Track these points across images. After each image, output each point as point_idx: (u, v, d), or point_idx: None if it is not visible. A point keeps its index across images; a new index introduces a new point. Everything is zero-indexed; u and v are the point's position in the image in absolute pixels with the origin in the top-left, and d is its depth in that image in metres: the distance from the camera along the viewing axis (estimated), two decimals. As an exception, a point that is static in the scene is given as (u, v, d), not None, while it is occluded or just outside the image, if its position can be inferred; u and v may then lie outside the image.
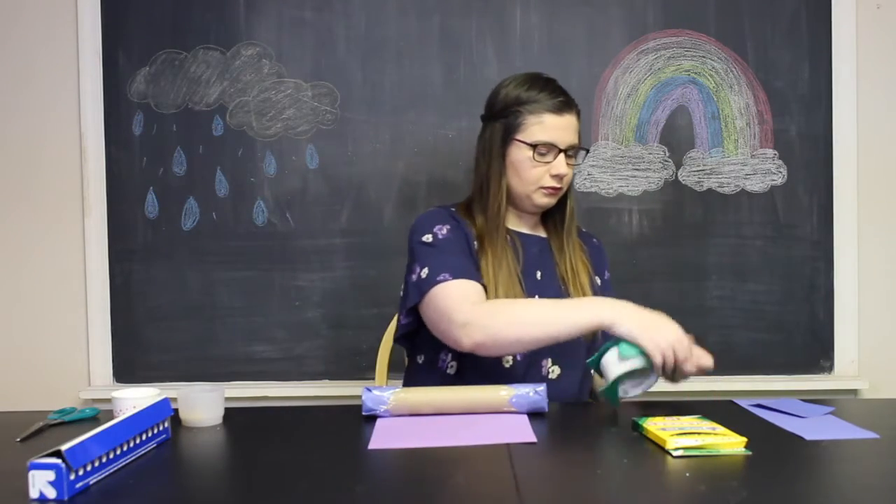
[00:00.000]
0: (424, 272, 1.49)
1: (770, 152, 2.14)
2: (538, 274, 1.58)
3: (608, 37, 2.13)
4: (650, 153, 2.14)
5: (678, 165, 2.14)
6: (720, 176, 2.14)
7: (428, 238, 1.54)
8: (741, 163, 2.14)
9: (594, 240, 1.73)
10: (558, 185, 1.54)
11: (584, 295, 1.57)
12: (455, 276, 1.45)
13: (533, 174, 1.54)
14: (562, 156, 1.52)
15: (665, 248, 2.14)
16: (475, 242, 1.55)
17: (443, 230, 1.55)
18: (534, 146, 1.52)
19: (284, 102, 2.13)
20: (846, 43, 2.13)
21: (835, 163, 2.14)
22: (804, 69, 2.14)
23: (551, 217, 1.64)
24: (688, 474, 1.03)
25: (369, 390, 1.38)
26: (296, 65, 2.12)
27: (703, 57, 2.13)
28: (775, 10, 2.13)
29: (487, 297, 1.48)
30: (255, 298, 2.13)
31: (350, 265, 2.13)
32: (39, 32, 2.14)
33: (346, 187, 2.13)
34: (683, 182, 2.14)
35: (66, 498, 0.95)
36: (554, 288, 1.57)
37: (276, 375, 2.14)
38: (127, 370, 2.15)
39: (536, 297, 1.55)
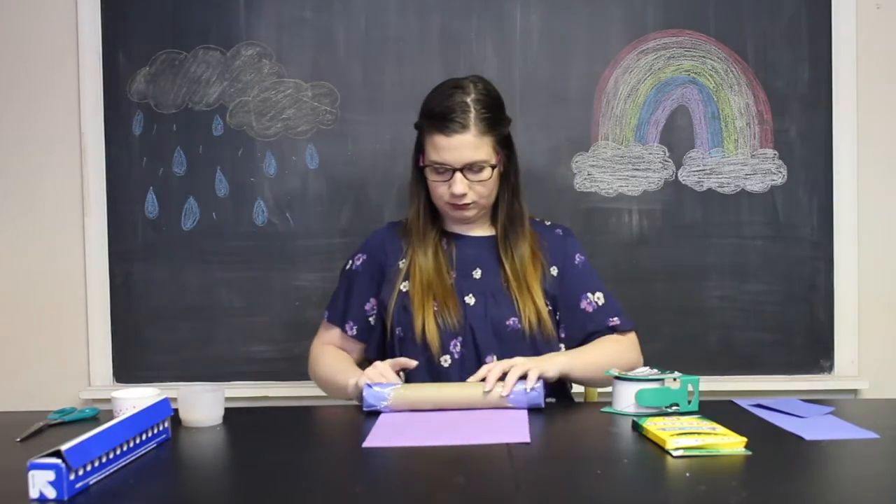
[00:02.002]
0: (333, 294, 1.72)
1: (770, 152, 2.14)
2: (477, 272, 1.61)
3: (608, 37, 2.13)
4: (650, 153, 2.14)
5: (678, 165, 2.14)
6: (720, 176, 2.14)
7: (348, 265, 1.70)
8: (741, 163, 2.14)
9: (558, 230, 1.71)
10: (459, 203, 1.57)
11: (529, 291, 1.58)
12: (329, 319, 1.69)
13: (437, 191, 1.59)
14: (458, 175, 1.54)
15: (665, 248, 2.14)
16: (402, 261, 1.63)
17: (359, 260, 1.69)
18: (426, 166, 1.57)
19: (284, 102, 2.13)
20: (846, 43, 2.13)
21: (835, 163, 2.14)
22: (804, 69, 2.14)
23: (496, 218, 1.65)
24: (688, 474, 1.03)
25: (370, 386, 1.39)
26: (296, 65, 2.12)
27: (703, 57, 2.13)
28: (775, 10, 2.13)
29: (414, 299, 1.57)
30: (255, 298, 2.13)
31: (350, 265, 2.13)
32: (39, 32, 2.14)
33: (346, 187, 2.13)
34: (683, 182, 2.14)
35: (66, 498, 0.95)
36: (495, 285, 1.60)
37: (276, 375, 2.14)
38: (127, 370, 2.15)
39: (470, 295, 1.59)
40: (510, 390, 1.37)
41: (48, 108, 2.14)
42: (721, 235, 2.14)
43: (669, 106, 2.13)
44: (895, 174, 2.17)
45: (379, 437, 1.23)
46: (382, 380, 1.42)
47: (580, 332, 1.63)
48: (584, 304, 1.63)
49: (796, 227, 2.14)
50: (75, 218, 2.14)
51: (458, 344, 1.56)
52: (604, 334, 1.63)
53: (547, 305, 1.59)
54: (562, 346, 1.63)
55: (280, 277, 2.13)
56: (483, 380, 1.40)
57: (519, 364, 1.41)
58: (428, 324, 1.55)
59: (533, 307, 1.57)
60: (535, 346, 1.57)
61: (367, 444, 1.19)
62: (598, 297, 1.64)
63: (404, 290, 1.60)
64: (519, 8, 2.12)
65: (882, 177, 2.16)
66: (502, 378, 1.39)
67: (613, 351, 1.59)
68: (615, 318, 1.63)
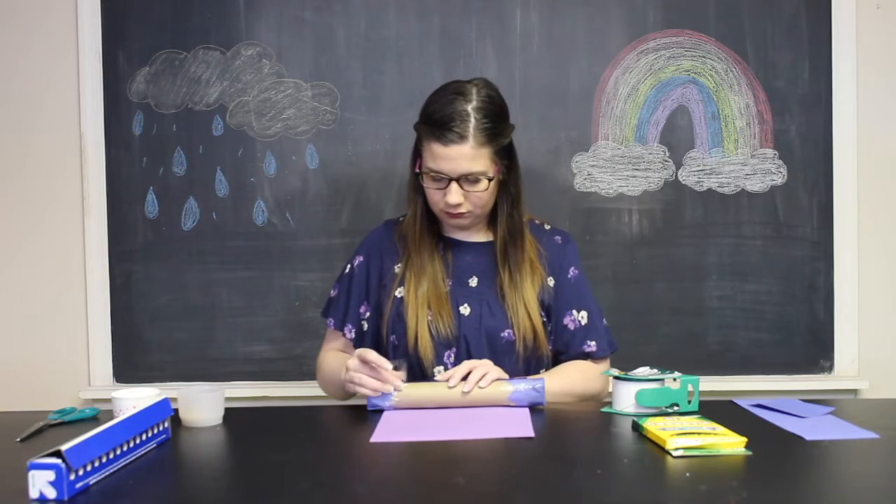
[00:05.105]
0: (330, 299, 1.70)
1: (770, 152, 2.14)
2: (473, 281, 1.59)
3: (608, 37, 2.13)
4: (650, 153, 2.14)
5: (678, 165, 2.14)
6: (720, 176, 2.14)
7: (347, 268, 1.68)
8: (741, 163, 2.14)
9: (557, 237, 1.68)
10: (454, 213, 1.53)
11: (525, 304, 1.55)
12: (333, 326, 1.66)
13: (433, 198, 1.55)
14: (453, 185, 1.50)
15: (665, 248, 2.14)
16: (399, 265, 1.61)
17: (356, 261, 1.67)
18: (423, 172, 1.54)
19: (284, 102, 2.13)
20: (846, 43, 2.13)
21: (835, 163, 2.14)
22: (804, 69, 2.14)
23: (495, 223, 1.61)
24: (688, 474, 1.03)
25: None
26: (296, 65, 2.12)
27: (703, 57, 2.13)
28: (775, 10, 2.13)
29: (409, 308, 1.55)
30: (255, 298, 2.13)
31: (350, 265, 2.13)
32: (39, 32, 2.14)
33: (346, 187, 2.13)
34: (683, 182, 2.14)
35: (66, 498, 0.95)
36: (490, 295, 1.58)
37: (276, 375, 2.14)
38: (127, 370, 2.15)
39: (466, 305, 1.57)
40: (472, 388, 1.38)
41: (48, 109, 2.14)
42: (721, 235, 2.14)
43: (669, 106, 2.13)
44: (895, 174, 2.17)
45: (386, 432, 1.24)
46: (375, 385, 1.39)
47: (559, 347, 1.61)
48: (566, 321, 1.60)
49: (796, 227, 2.14)
50: (75, 218, 2.14)
51: (452, 355, 1.55)
52: (577, 357, 1.61)
53: (542, 316, 1.57)
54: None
55: (280, 277, 2.13)
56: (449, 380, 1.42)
57: (483, 367, 1.42)
58: (421, 334, 1.53)
59: (528, 321, 1.54)
60: (528, 360, 1.56)
61: (374, 438, 1.21)
62: (583, 317, 1.61)
63: (399, 295, 1.59)
64: (519, 8, 2.12)
65: (882, 177, 2.16)
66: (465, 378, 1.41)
67: (579, 383, 1.55)
68: (592, 344, 1.60)
